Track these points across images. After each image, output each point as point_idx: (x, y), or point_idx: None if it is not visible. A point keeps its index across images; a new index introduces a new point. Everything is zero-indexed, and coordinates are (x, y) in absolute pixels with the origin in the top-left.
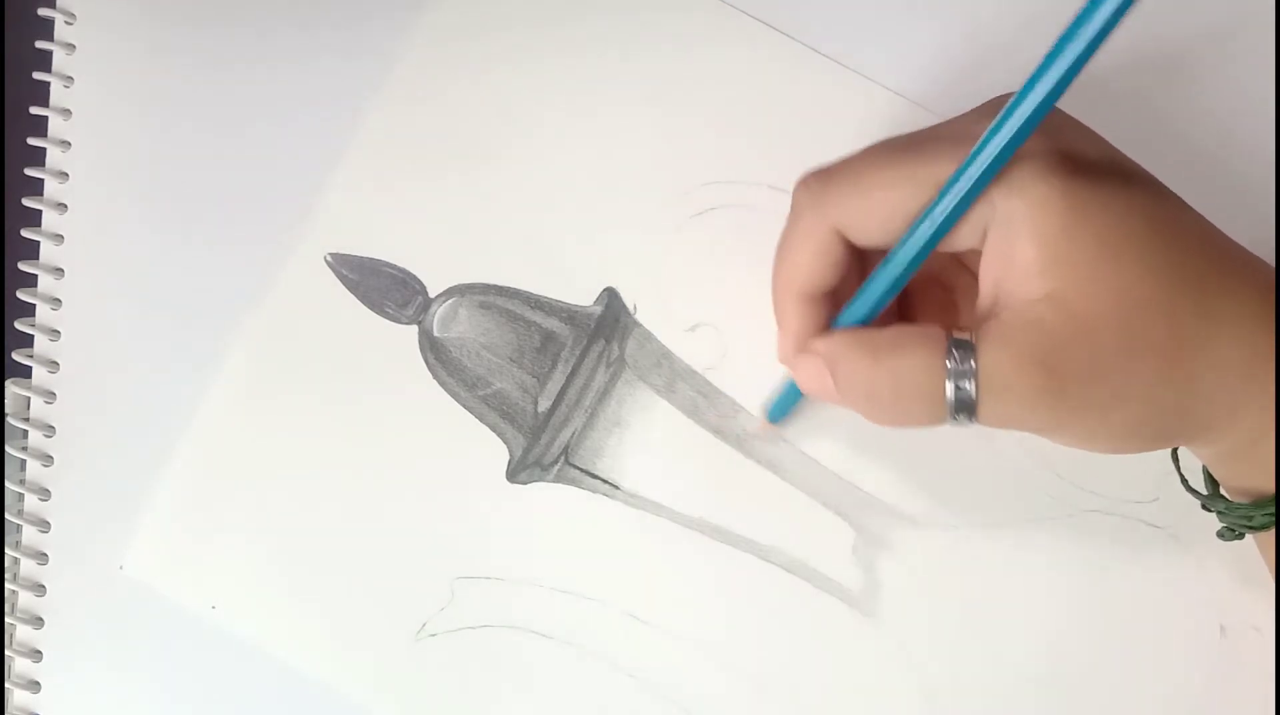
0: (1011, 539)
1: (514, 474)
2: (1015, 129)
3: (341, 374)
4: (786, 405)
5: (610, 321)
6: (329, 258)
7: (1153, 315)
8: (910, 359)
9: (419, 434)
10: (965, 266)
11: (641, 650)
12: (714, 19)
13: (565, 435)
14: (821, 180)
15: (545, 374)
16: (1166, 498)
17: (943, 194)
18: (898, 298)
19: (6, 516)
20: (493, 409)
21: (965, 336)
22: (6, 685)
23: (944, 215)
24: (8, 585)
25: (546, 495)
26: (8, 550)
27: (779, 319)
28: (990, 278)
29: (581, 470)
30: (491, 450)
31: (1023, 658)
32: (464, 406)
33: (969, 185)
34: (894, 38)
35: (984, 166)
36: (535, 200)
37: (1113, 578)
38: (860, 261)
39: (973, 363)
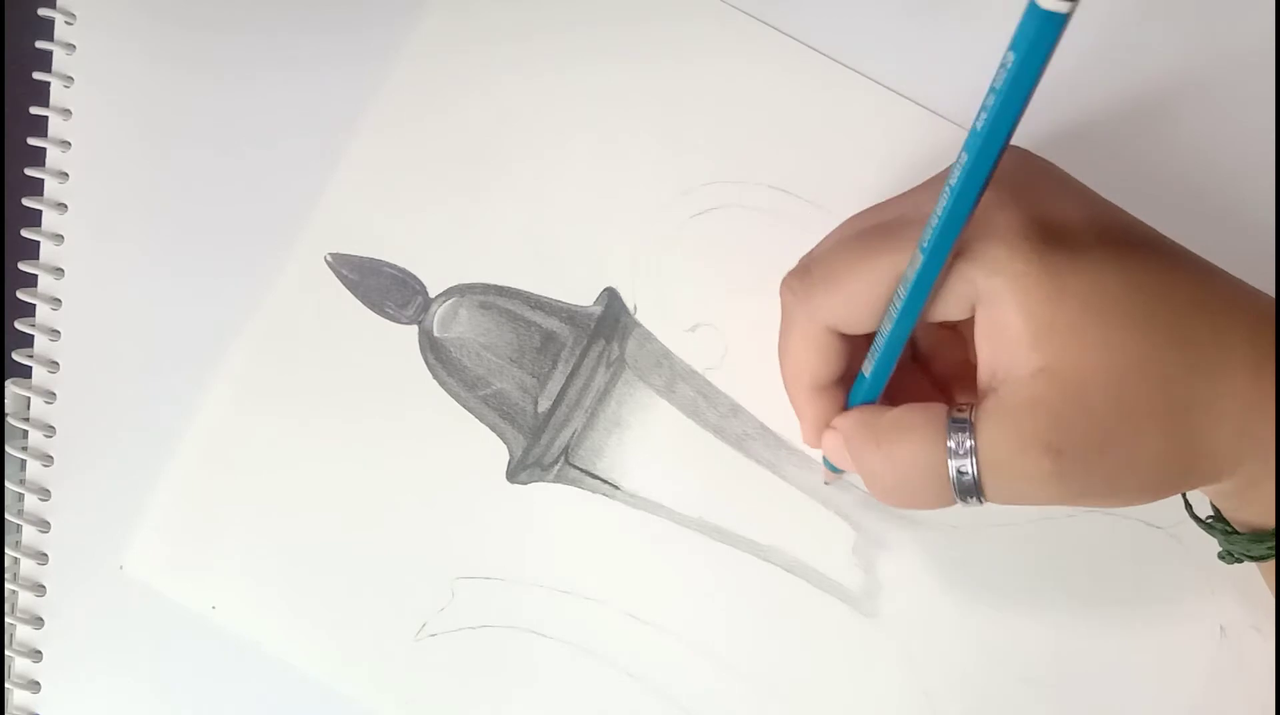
0: (1011, 539)
1: (514, 474)
2: (952, 207)
3: (341, 374)
4: None
5: (610, 321)
6: (329, 258)
7: (1146, 379)
8: (911, 444)
9: (419, 434)
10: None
11: (641, 650)
12: (714, 19)
13: (565, 435)
14: (803, 281)
15: (545, 374)
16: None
17: (906, 281)
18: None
19: (6, 516)
20: (493, 409)
21: (964, 415)
22: (6, 685)
23: (909, 302)
24: (8, 585)
25: (547, 495)
26: (8, 550)
27: (797, 410)
28: (985, 352)
29: (581, 470)
30: (491, 450)
31: (1022, 658)
32: (464, 406)
33: (924, 267)
34: (894, 37)
35: (932, 249)
36: (535, 200)
37: (1113, 578)
38: (865, 341)
39: (972, 443)
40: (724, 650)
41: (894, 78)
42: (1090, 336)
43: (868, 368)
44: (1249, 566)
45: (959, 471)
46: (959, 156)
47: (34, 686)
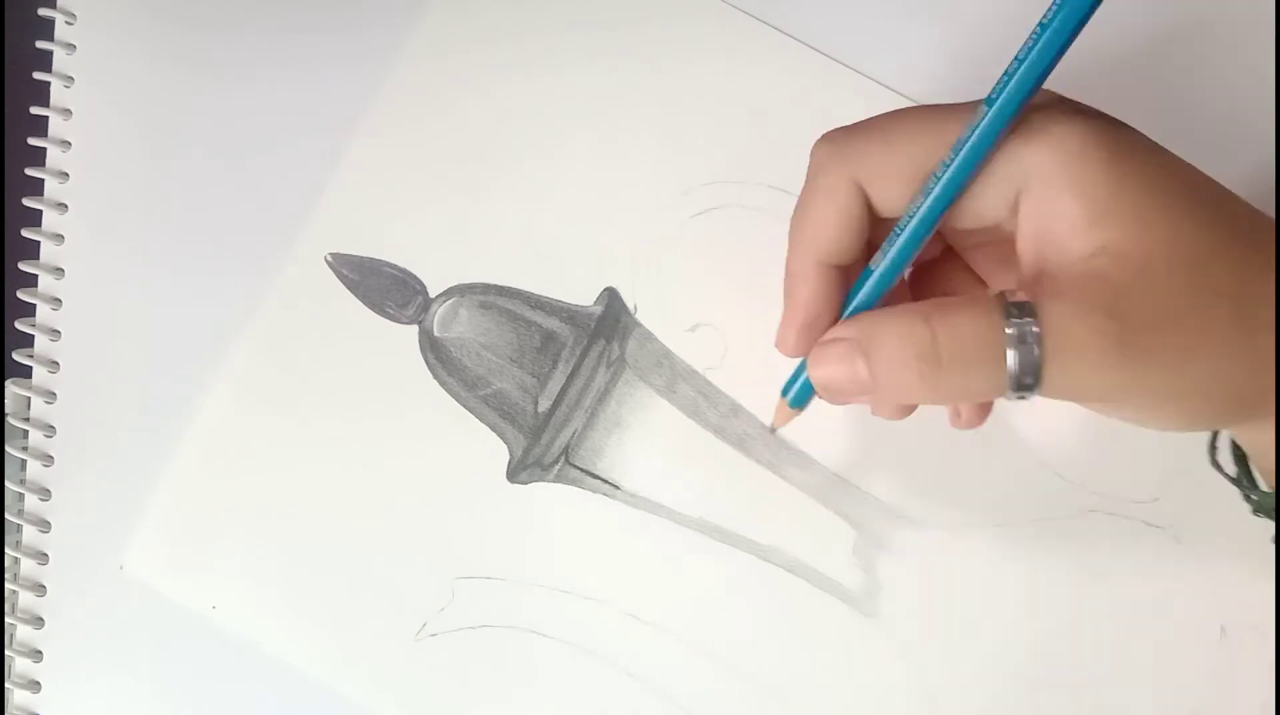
0: (1011, 539)
1: (514, 474)
2: (1031, 68)
3: (341, 374)
4: (809, 390)
5: (610, 321)
6: (329, 258)
7: (1218, 262)
8: (967, 320)
9: (419, 434)
10: (971, 271)
11: (641, 650)
12: (714, 19)
13: (565, 435)
14: (845, 133)
15: (545, 374)
16: (1166, 498)
17: (961, 143)
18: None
19: (6, 516)
20: (493, 409)
21: (1021, 297)
22: (6, 685)
23: (960, 166)
24: (8, 585)
25: (547, 495)
26: (8, 550)
27: (789, 292)
28: (1031, 245)
29: (582, 470)
30: (492, 450)
31: (1023, 658)
32: (464, 406)
33: (985, 126)
34: (894, 37)
35: (999, 108)
36: (535, 200)
37: (1113, 578)
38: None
39: (1034, 323)
40: (724, 650)
41: (894, 78)
42: (1155, 218)
43: (879, 261)
44: (1248, 567)
45: (1021, 354)
46: (1038, 39)
47: (34, 686)
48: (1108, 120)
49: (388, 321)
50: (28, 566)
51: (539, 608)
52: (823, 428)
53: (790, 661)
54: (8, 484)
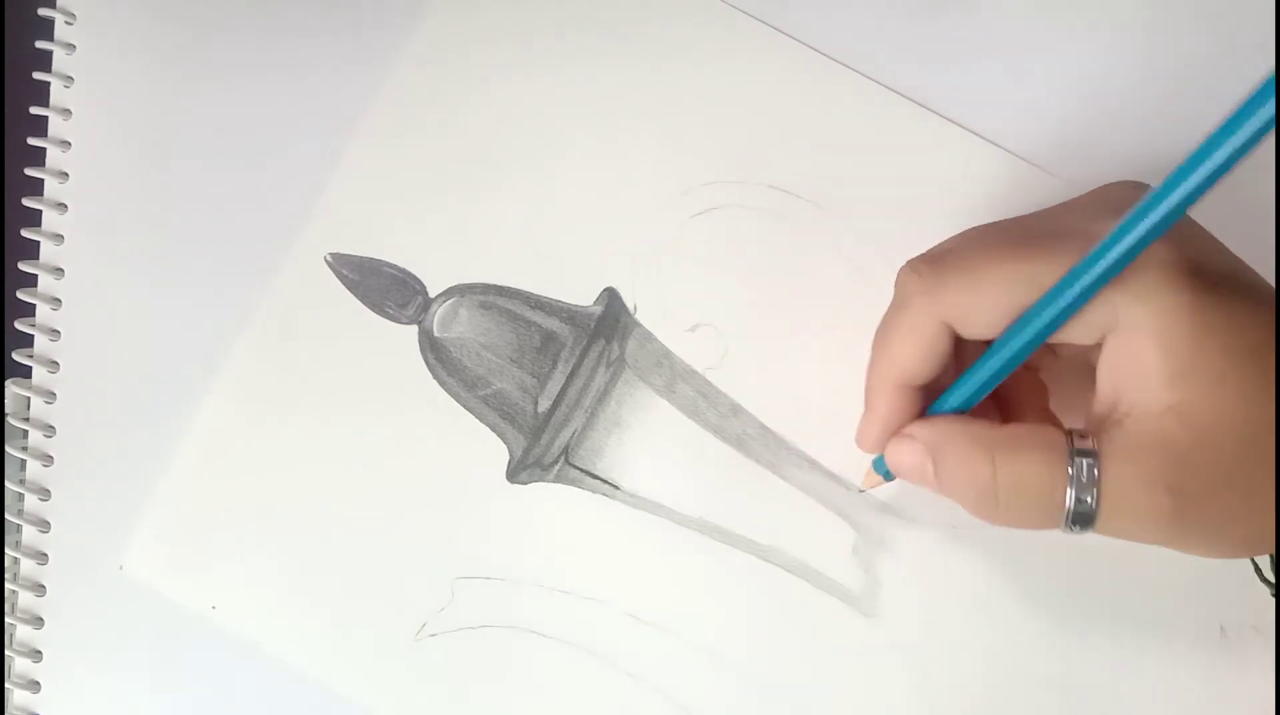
0: (1011, 538)
1: (514, 474)
2: (1140, 235)
3: (341, 374)
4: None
5: (610, 321)
6: (329, 258)
7: (1270, 432)
8: (1029, 463)
9: (419, 434)
10: (1053, 351)
11: (641, 650)
12: (713, 19)
13: (565, 435)
14: (934, 269)
15: (545, 374)
16: None
17: (1057, 292)
18: None
19: (6, 516)
20: (493, 409)
21: (1088, 445)
22: (6, 685)
23: (1056, 315)
24: (8, 585)
25: (546, 495)
26: (8, 550)
27: (869, 403)
28: (1110, 380)
29: (581, 470)
30: (491, 450)
31: (1022, 658)
32: (464, 406)
33: (1087, 284)
34: (894, 37)
35: (1103, 270)
36: (535, 200)
37: (1113, 577)
38: (960, 350)
39: (1096, 475)
40: (724, 650)
41: (894, 78)
42: (1228, 384)
43: (972, 379)
44: (1248, 567)
45: (1078, 500)
46: (1158, 191)
47: (34, 686)
48: (1194, 259)
49: (388, 321)
50: (28, 566)
51: (539, 608)
52: (823, 428)
53: (790, 661)
54: (8, 484)
